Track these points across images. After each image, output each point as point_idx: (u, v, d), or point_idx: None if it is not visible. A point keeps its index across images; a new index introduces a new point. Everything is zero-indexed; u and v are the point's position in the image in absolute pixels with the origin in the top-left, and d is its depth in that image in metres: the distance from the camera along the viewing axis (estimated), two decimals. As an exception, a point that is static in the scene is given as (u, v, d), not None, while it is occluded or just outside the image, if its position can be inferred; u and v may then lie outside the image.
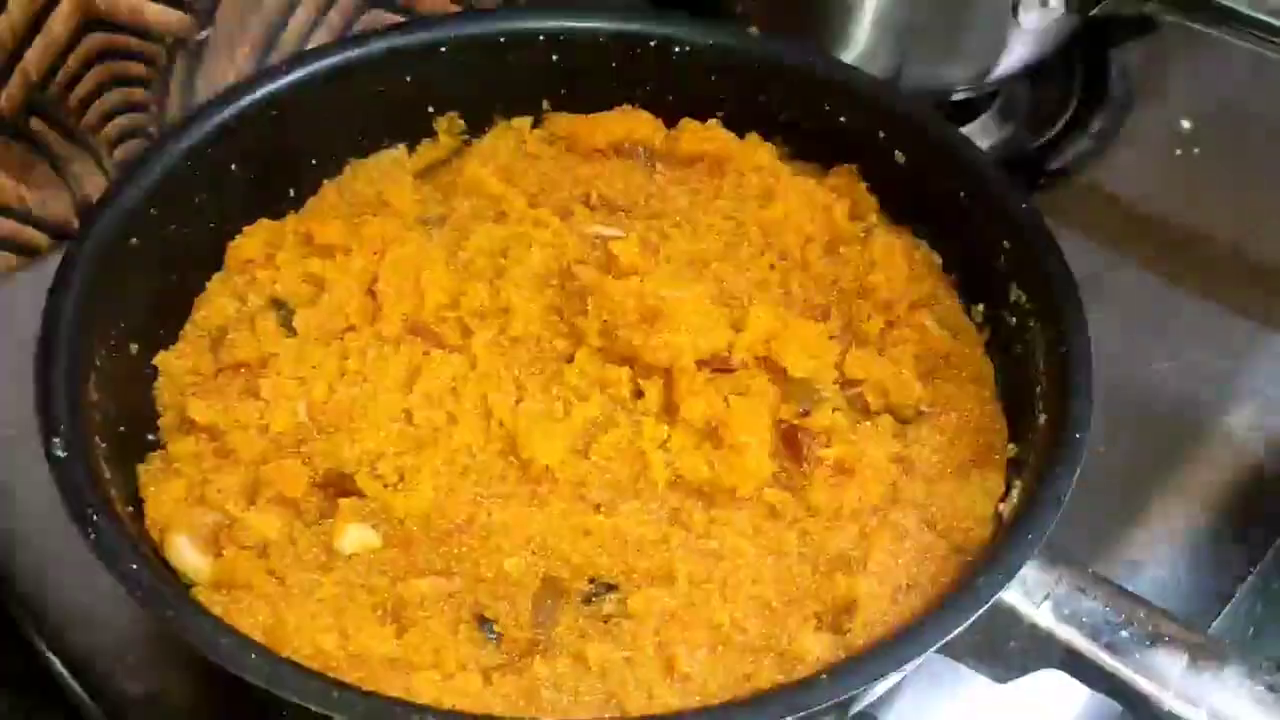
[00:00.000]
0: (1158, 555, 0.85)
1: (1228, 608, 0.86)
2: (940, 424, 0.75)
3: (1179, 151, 1.09)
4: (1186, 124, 1.11)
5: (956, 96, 1.08)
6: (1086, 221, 1.02)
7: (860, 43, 1.02)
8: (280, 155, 0.83)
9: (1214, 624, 0.86)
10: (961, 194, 0.80)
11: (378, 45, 0.84)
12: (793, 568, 0.69)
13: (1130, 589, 0.66)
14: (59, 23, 0.91)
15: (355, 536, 0.70)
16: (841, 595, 0.68)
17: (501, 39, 0.86)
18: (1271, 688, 0.60)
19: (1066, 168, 1.08)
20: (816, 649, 0.65)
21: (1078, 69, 1.14)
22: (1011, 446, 0.74)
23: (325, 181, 0.87)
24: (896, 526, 0.70)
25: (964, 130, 1.06)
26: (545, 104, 0.90)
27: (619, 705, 0.64)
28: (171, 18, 0.97)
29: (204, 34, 1.00)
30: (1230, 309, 0.97)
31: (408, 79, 0.86)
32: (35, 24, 0.90)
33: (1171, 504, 0.87)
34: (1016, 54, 1.04)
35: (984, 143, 1.08)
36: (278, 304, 0.80)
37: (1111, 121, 1.11)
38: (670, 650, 0.65)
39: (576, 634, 0.67)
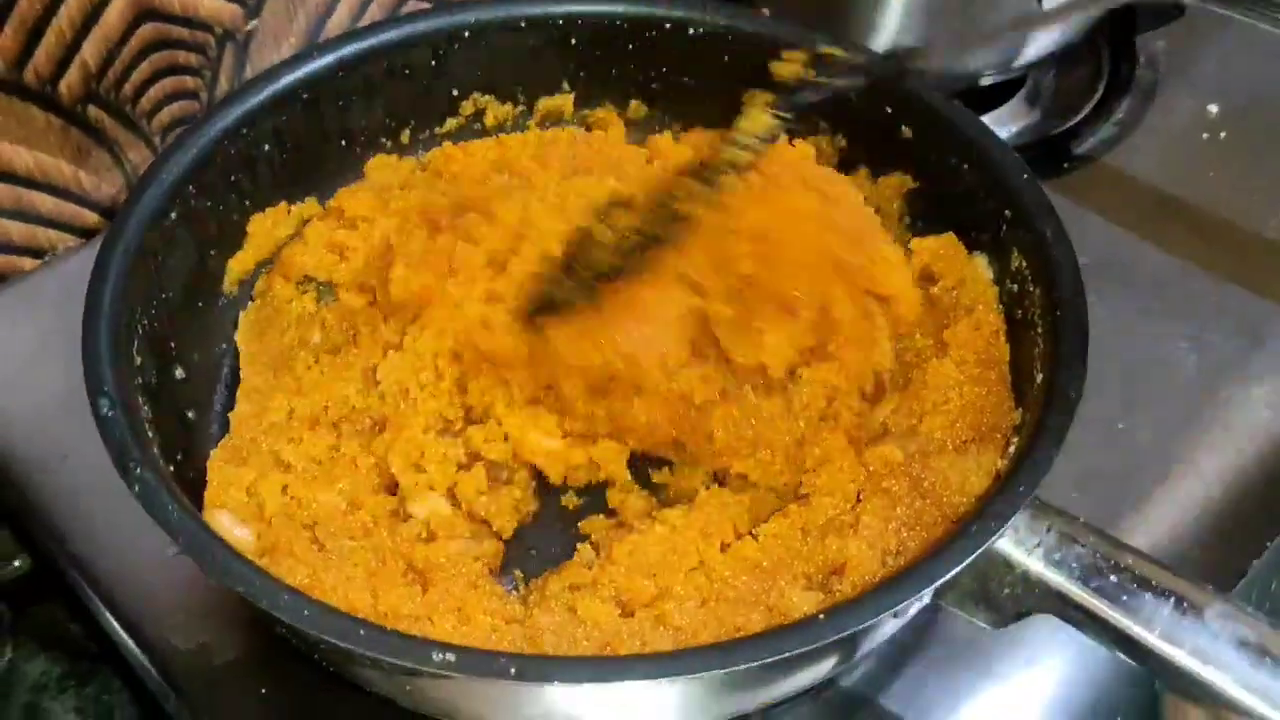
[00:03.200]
0: (1176, 530, 0.85)
1: (1243, 582, 0.86)
2: (945, 401, 0.77)
3: (1205, 136, 1.09)
4: (1213, 109, 1.11)
5: (984, 82, 1.09)
6: (1112, 205, 1.02)
7: (888, 29, 1.04)
8: (310, 136, 0.88)
9: (1231, 597, 0.87)
10: (965, 166, 0.83)
11: (401, 30, 0.88)
12: (783, 531, 0.72)
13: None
14: (115, 15, 0.94)
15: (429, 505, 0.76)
16: (831, 557, 0.70)
17: (522, 22, 0.90)
18: (1250, 631, 0.62)
19: (1093, 152, 1.08)
20: (805, 605, 0.68)
21: (1104, 54, 1.15)
22: (1016, 413, 0.76)
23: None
24: (889, 493, 0.72)
25: (991, 115, 1.08)
26: (564, 84, 0.94)
27: (614, 653, 0.67)
28: (222, 9, 1.00)
29: (252, 25, 1.03)
30: (1249, 290, 0.97)
31: (432, 63, 0.90)
32: (92, 16, 0.93)
33: (1189, 480, 0.88)
34: (1043, 40, 1.05)
35: (1011, 128, 1.09)
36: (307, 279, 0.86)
37: (1138, 107, 1.11)
38: (661, 606, 0.68)
39: (568, 589, 0.71)
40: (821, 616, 0.61)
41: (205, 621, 0.78)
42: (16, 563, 0.95)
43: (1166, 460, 0.88)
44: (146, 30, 0.97)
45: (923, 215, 0.88)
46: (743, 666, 0.59)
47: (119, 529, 0.81)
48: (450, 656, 0.57)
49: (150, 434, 0.70)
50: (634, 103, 0.96)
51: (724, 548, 0.72)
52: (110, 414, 0.67)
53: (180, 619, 0.78)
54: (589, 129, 0.96)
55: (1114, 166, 1.07)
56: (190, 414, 0.81)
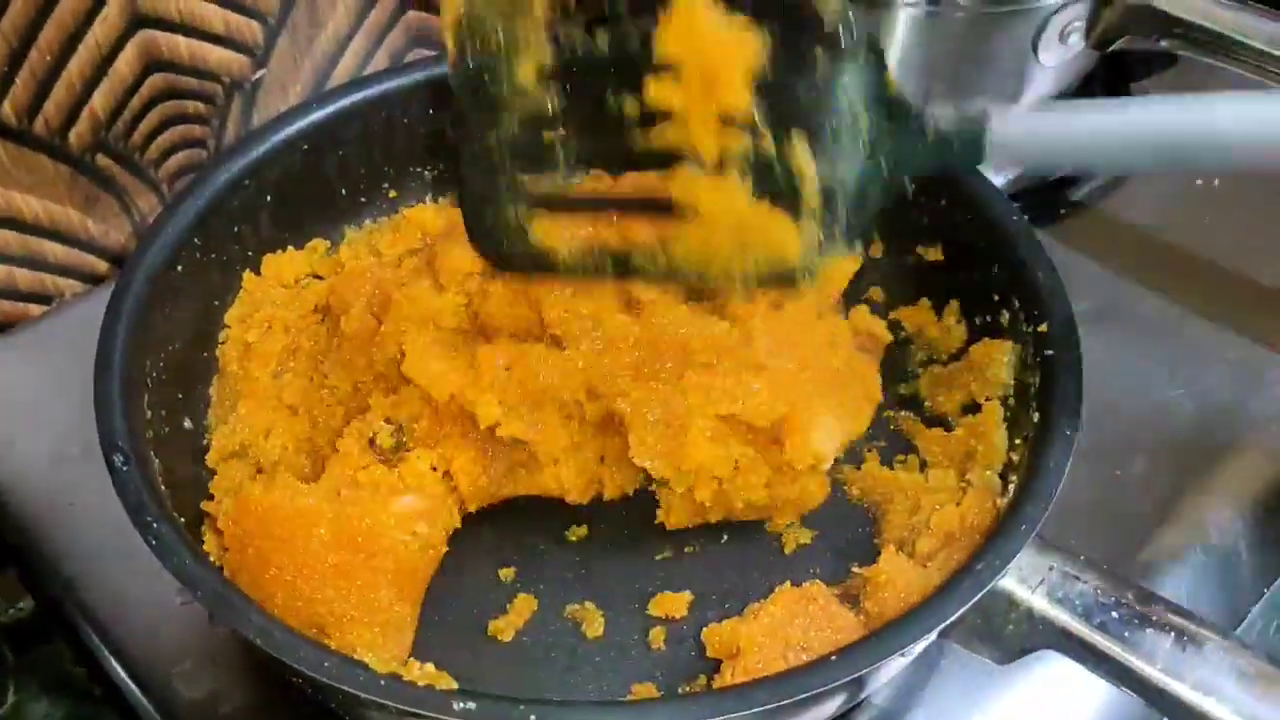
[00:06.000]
0: (1174, 577, 0.86)
1: (1241, 627, 0.87)
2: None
3: (1200, 183, 1.10)
4: (1205, 156, 1.12)
5: (981, 131, 1.10)
6: (1105, 251, 1.03)
7: (885, 85, 1.05)
8: (310, 185, 0.89)
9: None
10: (958, 210, 0.84)
11: (401, 79, 0.89)
12: None
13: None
14: (125, 66, 0.95)
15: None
16: (725, 639, 0.72)
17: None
18: (1250, 664, 0.63)
19: (1088, 199, 1.09)
20: None
21: (1099, 104, 1.16)
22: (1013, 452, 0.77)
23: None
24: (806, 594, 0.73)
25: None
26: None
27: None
28: (231, 59, 1.01)
29: (259, 74, 1.04)
30: (1244, 336, 0.98)
31: (430, 111, 0.90)
32: (102, 68, 0.94)
33: (1187, 526, 0.88)
34: (1038, 89, 1.05)
35: (1007, 174, 1.10)
36: None
37: (1132, 154, 1.12)
38: None
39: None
40: (834, 657, 0.62)
41: (212, 669, 0.78)
42: (21, 605, 0.95)
43: (1164, 507, 0.88)
44: (156, 80, 0.98)
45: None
46: (772, 705, 0.60)
47: (125, 575, 0.82)
48: (471, 705, 0.58)
49: (162, 486, 0.70)
50: (625, 142, 0.97)
51: None
52: (125, 468, 0.67)
53: (187, 666, 0.78)
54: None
55: (1110, 213, 1.08)
56: (197, 464, 0.81)
